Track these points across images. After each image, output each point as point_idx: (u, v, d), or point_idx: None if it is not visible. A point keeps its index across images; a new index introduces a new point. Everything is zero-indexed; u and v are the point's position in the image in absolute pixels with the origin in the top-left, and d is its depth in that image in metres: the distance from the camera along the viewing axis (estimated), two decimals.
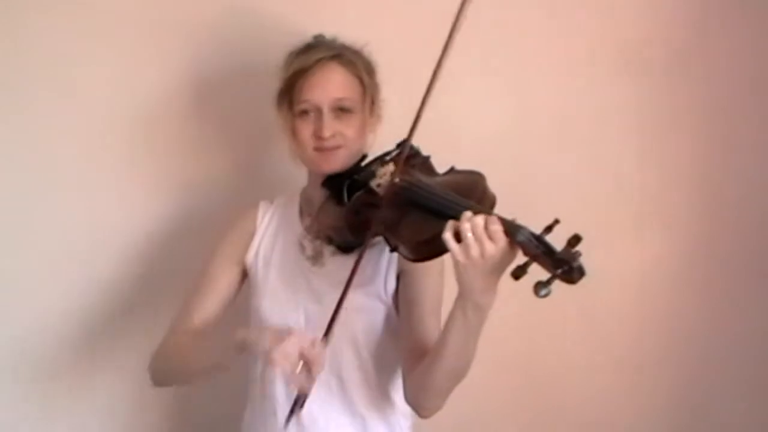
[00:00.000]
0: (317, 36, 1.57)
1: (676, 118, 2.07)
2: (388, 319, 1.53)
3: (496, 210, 1.32)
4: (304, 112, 1.50)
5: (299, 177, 1.63)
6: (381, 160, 1.53)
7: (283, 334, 1.32)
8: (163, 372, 1.57)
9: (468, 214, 1.23)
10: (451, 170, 1.52)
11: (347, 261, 1.45)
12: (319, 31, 1.58)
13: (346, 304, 1.38)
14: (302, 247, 1.57)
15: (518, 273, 1.17)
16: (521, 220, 1.27)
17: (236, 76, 1.87)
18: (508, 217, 1.24)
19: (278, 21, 1.82)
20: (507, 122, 2.00)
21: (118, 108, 1.86)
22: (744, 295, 2.11)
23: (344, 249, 1.50)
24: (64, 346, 1.88)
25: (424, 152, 1.55)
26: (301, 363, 1.30)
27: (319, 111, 1.49)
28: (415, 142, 1.61)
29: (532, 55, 2.00)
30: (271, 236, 1.61)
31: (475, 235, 1.21)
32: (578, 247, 1.16)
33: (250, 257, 1.60)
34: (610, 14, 2.03)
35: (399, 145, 1.54)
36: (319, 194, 1.55)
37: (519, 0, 2.00)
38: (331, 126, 1.48)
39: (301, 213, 1.62)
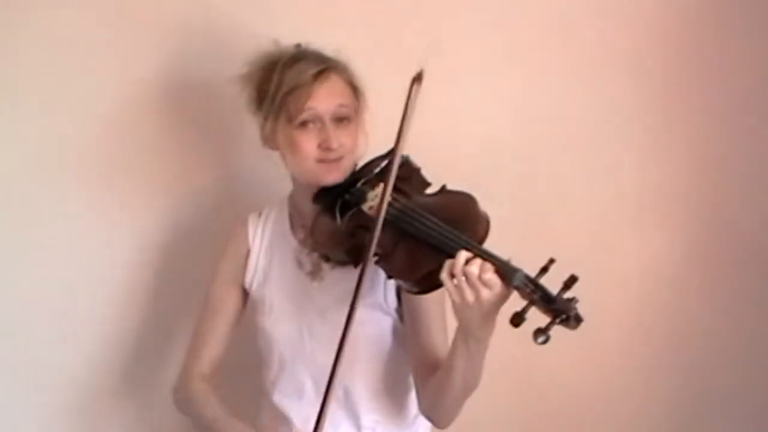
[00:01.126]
0: (297, 45, 1.53)
1: (676, 119, 2.07)
2: (394, 329, 1.52)
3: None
4: (304, 124, 1.47)
5: (287, 182, 1.61)
6: (371, 175, 1.50)
7: None
8: (187, 413, 1.62)
9: (462, 258, 1.23)
10: (443, 190, 1.49)
11: (347, 274, 1.44)
12: (299, 39, 1.55)
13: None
14: (300, 262, 1.56)
15: (517, 321, 1.19)
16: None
17: (223, 83, 1.85)
18: (504, 257, 1.24)
19: (264, 28, 1.79)
20: (507, 123, 2.00)
21: (102, 114, 1.83)
22: (744, 295, 2.11)
23: (342, 264, 1.50)
24: (62, 356, 1.86)
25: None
26: None
27: (321, 121, 1.47)
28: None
29: (532, 55, 2.00)
30: (266, 251, 1.60)
31: (469, 282, 1.22)
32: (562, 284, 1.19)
33: (248, 277, 1.60)
34: (611, 15, 2.03)
35: (389, 153, 1.50)
36: (310, 207, 1.52)
37: (519, 1, 2.00)
38: (336, 136, 1.46)
39: (292, 224, 1.60)
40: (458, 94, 1.93)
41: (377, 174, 1.50)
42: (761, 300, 2.12)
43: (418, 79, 1.38)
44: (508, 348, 1.96)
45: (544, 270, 1.22)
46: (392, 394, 1.54)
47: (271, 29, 1.60)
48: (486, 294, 1.21)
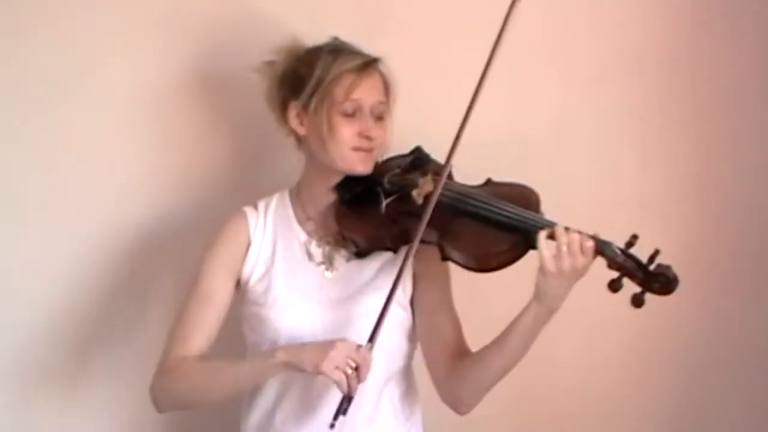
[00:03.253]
0: (335, 38, 1.59)
1: (676, 119, 2.08)
2: (402, 322, 1.55)
3: None
4: (349, 113, 1.52)
5: (288, 178, 1.64)
6: (422, 169, 1.55)
7: (326, 346, 1.36)
8: (176, 398, 1.56)
9: (562, 228, 1.31)
10: (488, 182, 1.56)
11: (363, 265, 1.50)
12: (319, 34, 1.59)
13: (365, 308, 1.44)
14: (309, 254, 1.57)
15: (616, 287, 1.31)
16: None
17: (241, 73, 1.86)
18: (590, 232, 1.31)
19: (285, 21, 1.82)
20: (507, 123, 2.01)
21: (120, 103, 1.88)
22: (744, 294, 2.12)
23: (362, 254, 1.51)
24: (57, 346, 1.88)
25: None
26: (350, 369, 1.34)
27: (362, 112, 1.52)
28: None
29: (532, 55, 2.01)
30: (268, 244, 1.60)
31: (570, 249, 1.30)
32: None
33: (247, 269, 1.59)
34: (610, 14, 2.03)
35: (412, 152, 1.59)
36: (328, 197, 1.55)
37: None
38: (375, 128, 1.52)
39: (298, 217, 1.61)
40: (457, 96, 1.93)
41: (419, 167, 1.55)
42: (762, 300, 2.12)
43: None
44: None
45: (630, 244, 1.32)
46: (395, 388, 1.57)
47: (299, 25, 1.68)
48: (582, 262, 1.29)
